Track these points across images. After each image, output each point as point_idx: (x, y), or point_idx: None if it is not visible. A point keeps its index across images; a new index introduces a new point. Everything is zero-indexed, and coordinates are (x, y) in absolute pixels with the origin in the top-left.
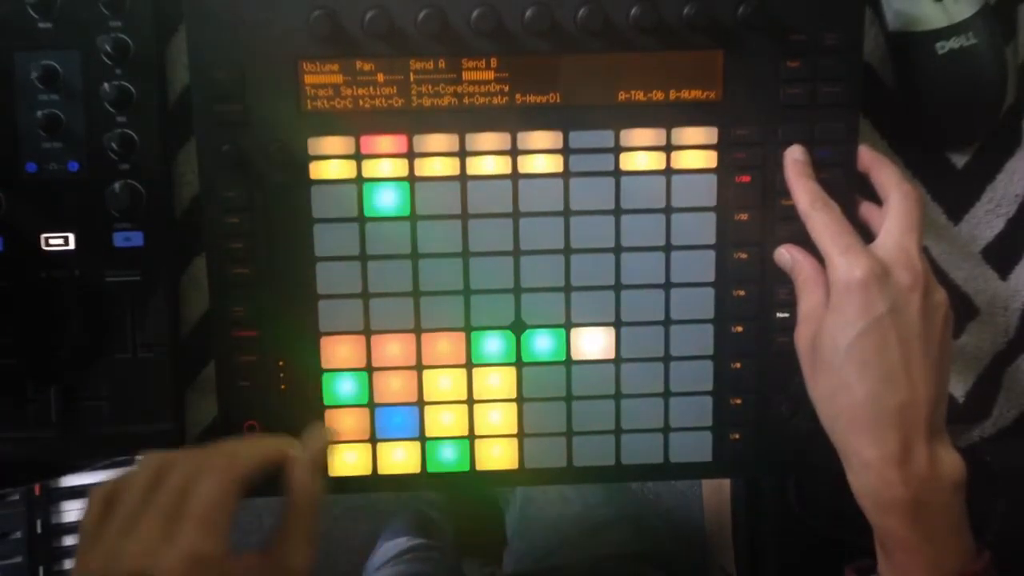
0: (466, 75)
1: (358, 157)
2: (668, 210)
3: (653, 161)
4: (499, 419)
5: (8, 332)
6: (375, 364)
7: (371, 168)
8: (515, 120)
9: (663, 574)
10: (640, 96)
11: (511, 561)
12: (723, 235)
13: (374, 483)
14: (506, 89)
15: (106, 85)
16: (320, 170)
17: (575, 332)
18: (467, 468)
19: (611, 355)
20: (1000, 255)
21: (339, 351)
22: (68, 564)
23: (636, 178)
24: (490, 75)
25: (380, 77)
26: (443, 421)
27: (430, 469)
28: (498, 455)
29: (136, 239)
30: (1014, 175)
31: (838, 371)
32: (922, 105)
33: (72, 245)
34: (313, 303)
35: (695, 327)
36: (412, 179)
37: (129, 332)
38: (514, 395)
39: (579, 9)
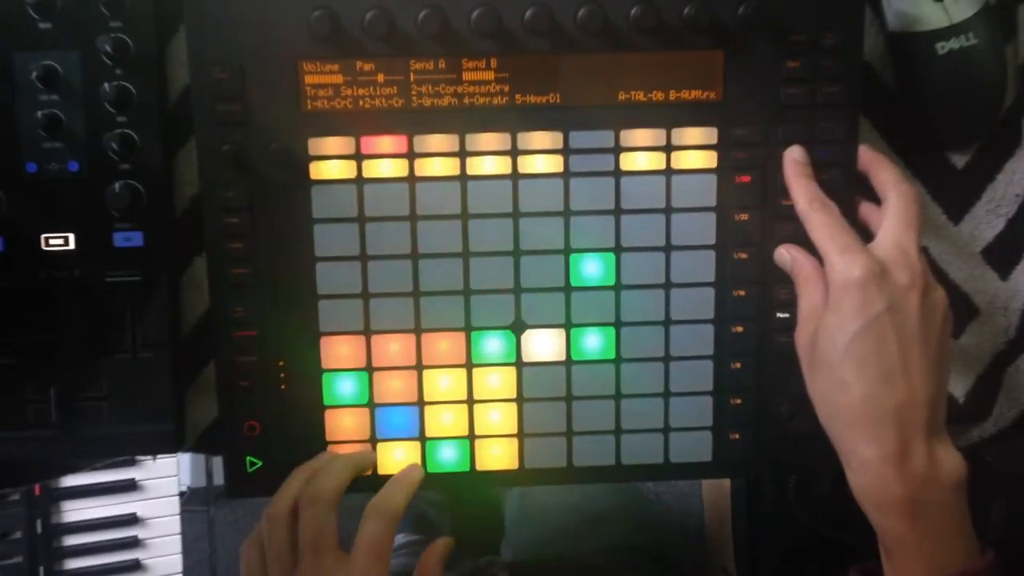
0: (466, 75)
1: (358, 157)
2: (668, 210)
3: (653, 161)
4: (499, 419)
5: (8, 332)
6: (375, 364)
7: (371, 168)
8: (515, 120)
9: (661, 566)
10: (640, 96)
11: (509, 550)
12: (723, 235)
13: (374, 483)
14: (506, 89)
15: (106, 85)
16: (320, 170)
17: (575, 332)
18: (467, 468)
19: (611, 355)
20: (1000, 255)
21: (339, 351)
22: (68, 564)
23: (636, 178)
24: (490, 75)
25: (380, 77)
26: (443, 421)
27: (430, 469)
28: (498, 455)
29: (136, 239)
30: (1014, 175)
31: (837, 370)
32: (922, 105)
33: (72, 245)
34: (313, 303)
35: (695, 327)
36: (412, 179)
37: (129, 332)
38: (514, 395)
39: (579, 9)
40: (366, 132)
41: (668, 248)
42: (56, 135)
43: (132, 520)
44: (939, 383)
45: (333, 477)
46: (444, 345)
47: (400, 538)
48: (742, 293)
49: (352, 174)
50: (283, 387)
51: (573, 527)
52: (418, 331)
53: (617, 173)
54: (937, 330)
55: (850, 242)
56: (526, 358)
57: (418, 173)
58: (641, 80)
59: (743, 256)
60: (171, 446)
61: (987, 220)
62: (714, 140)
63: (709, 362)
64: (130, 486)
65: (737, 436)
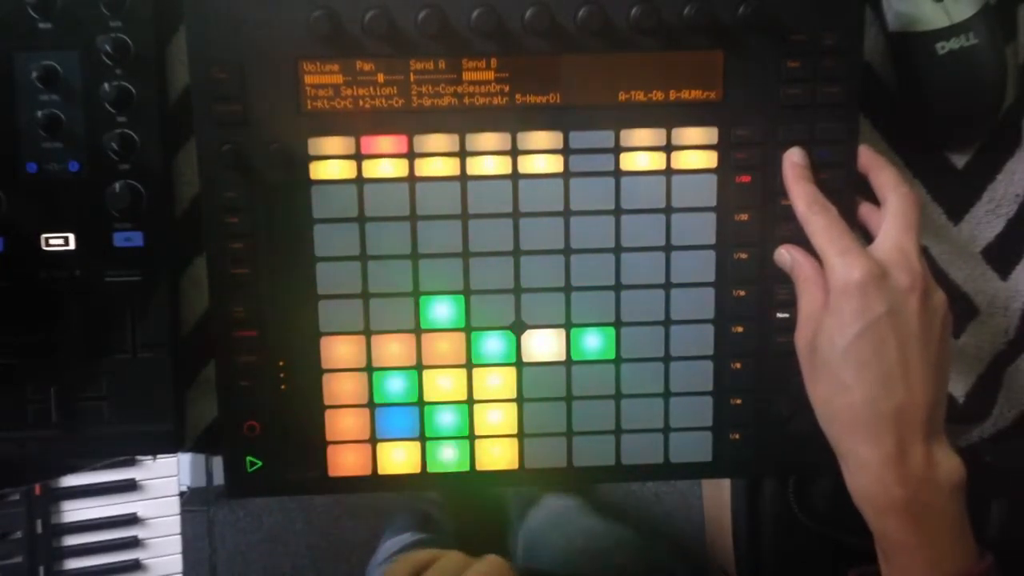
0: (466, 75)
1: (358, 157)
2: (668, 210)
3: (653, 161)
4: (499, 419)
5: (8, 332)
6: (375, 364)
7: (371, 168)
8: (515, 120)
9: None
10: (640, 96)
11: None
12: (723, 235)
13: (374, 483)
14: (506, 89)
15: (106, 85)
16: (320, 170)
17: (575, 332)
18: (467, 468)
19: (611, 355)
20: (1000, 255)
21: (339, 351)
22: (68, 564)
23: (636, 178)
24: (490, 75)
25: (380, 77)
26: (443, 421)
27: (430, 469)
28: (498, 455)
29: (136, 239)
30: (1014, 175)
31: (836, 373)
32: (922, 105)
33: (72, 245)
34: (313, 303)
35: (695, 327)
36: (412, 179)
37: (129, 332)
38: (514, 395)
39: (579, 9)
40: (366, 132)
41: (668, 248)
42: (56, 135)
43: (132, 520)
44: (938, 386)
45: None
46: (444, 345)
47: (407, 537)
48: (742, 293)
49: (352, 174)
50: (283, 387)
51: (579, 564)
52: (418, 331)
53: (617, 173)
54: (937, 333)
55: (850, 244)
56: (526, 358)
57: (418, 173)
58: (641, 80)
59: (743, 256)
60: (171, 446)
61: (987, 220)
62: (714, 140)
63: (709, 362)
64: (130, 486)
65: (737, 436)
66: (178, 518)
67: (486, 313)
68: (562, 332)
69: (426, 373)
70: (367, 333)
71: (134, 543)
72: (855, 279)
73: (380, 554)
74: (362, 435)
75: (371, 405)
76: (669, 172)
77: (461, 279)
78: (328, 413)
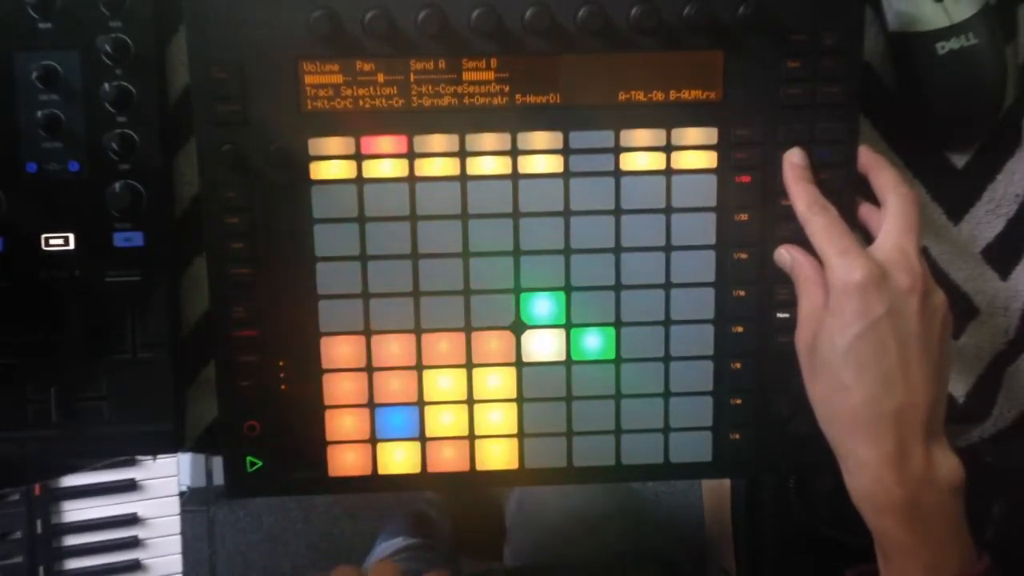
0: (466, 75)
1: (358, 157)
2: (668, 210)
3: (653, 161)
4: (499, 419)
5: (8, 332)
6: (375, 364)
7: (371, 168)
8: (515, 120)
9: (659, 568)
10: (640, 96)
11: (511, 553)
12: (723, 235)
13: (374, 483)
14: (506, 89)
15: (106, 85)
16: (320, 170)
17: (575, 332)
18: (467, 468)
19: (611, 355)
20: (1000, 255)
21: (339, 351)
22: (68, 564)
23: (636, 178)
24: (490, 75)
25: (380, 77)
26: (443, 421)
27: (430, 469)
28: (498, 455)
29: (136, 239)
30: (1014, 175)
31: (836, 373)
32: (922, 105)
33: (72, 245)
34: (313, 303)
35: (695, 327)
36: (412, 179)
37: (129, 332)
38: (514, 395)
39: (579, 9)
40: (366, 132)
41: (668, 248)
42: (56, 135)
43: (132, 520)
44: (938, 386)
45: None
46: (444, 345)
47: (399, 541)
48: (742, 293)
49: (352, 174)
50: (283, 387)
51: (572, 531)
52: (418, 331)
53: (617, 173)
54: (937, 333)
55: (850, 245)
56: (526, 358)
57: (418, 173)
58: (641, 80)
59: (743, 256)
60: (171, 446)
61: (987, 220)
62: (714, 140)
63: (709, 362)
64: (130, 486)
65: (737, 436)
66: (178, 518)
67: (486, 313)
68: (562, 332)
69: (426, 373)
70: (367, 333)
71: (134, 543)
72: (855, 280)
73: (374, 556)
74: (362, 435)
75: (371, 405)
76: (669, 172)
77: (461, 279)
78: (328, 413)
